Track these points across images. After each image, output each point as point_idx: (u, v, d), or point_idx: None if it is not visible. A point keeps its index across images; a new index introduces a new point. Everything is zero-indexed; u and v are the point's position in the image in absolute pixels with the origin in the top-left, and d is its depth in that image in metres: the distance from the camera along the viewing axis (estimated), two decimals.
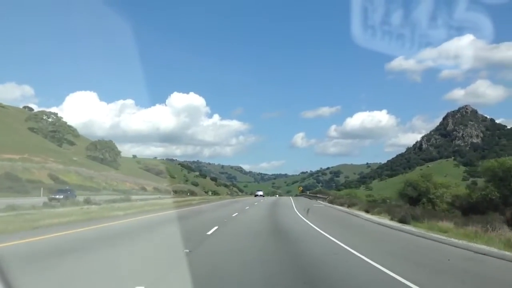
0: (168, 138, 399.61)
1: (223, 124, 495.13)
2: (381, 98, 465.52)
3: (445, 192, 40.20)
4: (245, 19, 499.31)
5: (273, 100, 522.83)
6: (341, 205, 42.79)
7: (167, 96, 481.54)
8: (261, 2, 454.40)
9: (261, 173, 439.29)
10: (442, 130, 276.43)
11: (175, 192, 77.55)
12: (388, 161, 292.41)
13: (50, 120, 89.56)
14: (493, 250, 12.74)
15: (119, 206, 24.65)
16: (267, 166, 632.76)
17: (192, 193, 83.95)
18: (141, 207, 26.12)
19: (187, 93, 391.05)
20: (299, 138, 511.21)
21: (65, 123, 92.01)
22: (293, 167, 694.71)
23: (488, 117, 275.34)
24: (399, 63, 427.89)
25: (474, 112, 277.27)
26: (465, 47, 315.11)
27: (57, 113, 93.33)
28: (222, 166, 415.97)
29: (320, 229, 18.08)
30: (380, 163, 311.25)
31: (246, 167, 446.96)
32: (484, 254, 12.05)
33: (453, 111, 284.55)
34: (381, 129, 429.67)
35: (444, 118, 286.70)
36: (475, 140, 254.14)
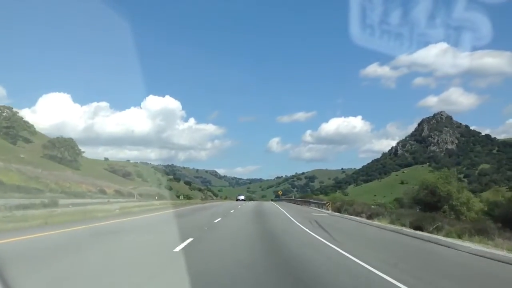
0: (143, 141, 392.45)
1: (199, 128, 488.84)
2: (356, 104, 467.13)
3: (470, 198, 34.19)
4: (222, 22, 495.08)
5: (249, 104, 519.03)
6: (357, 214, 29.90)
7: (142, 99, 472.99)
8: (240, 5, 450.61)
9: (236, 178, 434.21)
10: (417, 136, 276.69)
11: (141, 195, 71.33)
12: (363, 166, 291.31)
13: (4, 114, 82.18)
14: None
15: (23, 215, 17.42)
16: (242, 171, 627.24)
17: (161, 197, 77.81)
18: (58, 217, 18.03)
19: (163, 96, 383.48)
20: (274, 143, 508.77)
21: (21, 118, 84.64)
22: (268, 172, 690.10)
23: (463, 123, 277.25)
24: (374, 69, 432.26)
25: (449, 118, 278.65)
26: (439, 55, 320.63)
27: (12, 107, 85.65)
28: (197, 170, 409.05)
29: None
30: (354, 168, 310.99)
31: (221, 171, 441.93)
32: None
33: (428, 117, 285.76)
34: (355, 135, 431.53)
35: (419, 124, 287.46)
36: (450, 146, 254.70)
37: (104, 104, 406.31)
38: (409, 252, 12.93)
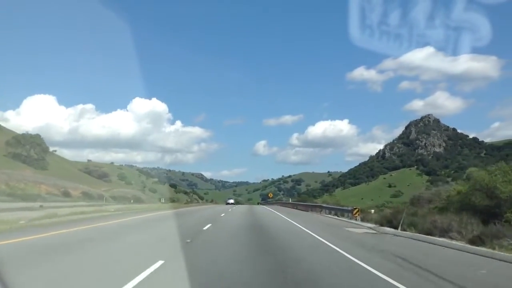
0: (128, 144, 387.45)
1: (186, 130, 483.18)
2: (343, 107, 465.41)
3: None
4: (210, 25, 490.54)
5: (236, 107, 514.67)
6: (394, 225, 20.46)
7: (128, 102, 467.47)
8: (228, 6, 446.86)
9: (222, 181, 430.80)
10: (405, 139, 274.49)
11: (114, 198, 66.13)
12: (351, 169, 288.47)
13: None
14: None
15: None
16: (228, 174, 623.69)
17: (138, 200, 72.49)
18: None
19: (150, 99, 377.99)
20: (261, 146, 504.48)
21: None
22: (255, 175, 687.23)
23: (450, 126, 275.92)
24: (361, 73, 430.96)
25: (437, 121, 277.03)
26: (425, 59, 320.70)
27: None
28: (183, 173, 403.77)
29: None
30: (341, 171, 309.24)
31: (208, 174, 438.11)
32: None
33: (416, 120, 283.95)
34: (342, 138, 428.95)
35: (406, 127, 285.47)
36: (437, 149, 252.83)
37: (89, 106, 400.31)
38: None
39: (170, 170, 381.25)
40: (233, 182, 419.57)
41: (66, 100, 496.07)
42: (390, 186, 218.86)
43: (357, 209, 28.29)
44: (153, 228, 19.36)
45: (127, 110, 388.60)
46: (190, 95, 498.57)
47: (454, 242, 14.75)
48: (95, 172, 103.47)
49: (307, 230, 18.90)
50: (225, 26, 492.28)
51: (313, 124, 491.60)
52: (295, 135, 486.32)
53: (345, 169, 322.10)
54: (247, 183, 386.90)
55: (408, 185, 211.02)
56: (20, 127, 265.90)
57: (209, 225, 20.04)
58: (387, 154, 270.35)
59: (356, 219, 27.14)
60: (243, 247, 12.37)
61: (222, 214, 32.13)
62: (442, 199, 26.39)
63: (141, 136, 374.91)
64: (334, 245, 13.19)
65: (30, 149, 75.69)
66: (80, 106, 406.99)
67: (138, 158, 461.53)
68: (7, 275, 6.13)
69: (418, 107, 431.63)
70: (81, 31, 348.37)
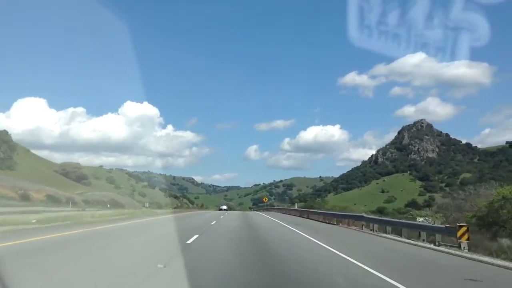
0: (119, 147, 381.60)
1: (177, 135, 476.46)
2: (335, 112, 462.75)
3: None
4: (205, 30, 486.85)
5: (228, 112, 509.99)
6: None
7: (120, 105, 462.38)
8: (220, 10, 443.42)
9: (213, 185, 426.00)
10: (397, 144, 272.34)
11: (87, 202, 61.87)
12: (343, 174, 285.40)
13: None
14: None
15: None
16: (219, 178, 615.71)
17: (117, 205, 68.17)
18: None
19: (141, 102, 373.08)
20: (252, 151, 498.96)
21: None
22: (246, 180, 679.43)
23: (443, 132, 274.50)
24: (352, 78, 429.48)
25: (430, 126, 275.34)
26: (417, 64, 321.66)
27: None
28: (174, 177, 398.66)
29: None
30: (332, 177, 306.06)
31: (199, 178, 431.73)
32: None
33: (409, 125, 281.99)
34: (333, 143, 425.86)
35: (399, 132, 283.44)
36: (430, 155, 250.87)
37: (80, 109, 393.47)
38: None
39: (160, 174, 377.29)
40: (224, 187, 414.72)
41: (57, 103, 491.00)
42: (383, 191, 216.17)
43: (465, 228, 15.68)
44: (107, 248, 13.18)
45: (118, 114, 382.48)
46: (182, 99, 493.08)
47: None
48: (72, 174, 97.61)
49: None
50: (218, 30, 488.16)
51: (305, 129, 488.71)
52: (287, 140, 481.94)
53: (336, 174, 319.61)
54: (238, 187, 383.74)
55: (401, 191, 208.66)
56: (10, 130, 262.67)
57: (196, 236, 16.39)
58: (380, 159, 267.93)
59: (462, 247, 15.36)
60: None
61: (213, 222, 27.90)
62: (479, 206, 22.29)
63: (132, 140, 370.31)
64: None
65: None
66: (71, 109, 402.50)
67: (128, 162, 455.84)
68: None
69: (410, 113, 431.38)
70: (73, 33, 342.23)
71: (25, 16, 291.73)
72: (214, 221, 29.05)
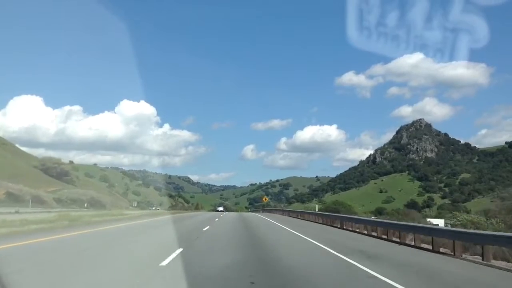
0: (115, 146, 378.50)
1: (174, 134, 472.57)
2: (332, 112, 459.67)
3: None
4: (203, 30, 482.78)
5: (224, 111, 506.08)
6: None
7: (116, 104, 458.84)
8: (216, 11, 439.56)
9: (209, 184, 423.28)
10: (396, 144, 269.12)
11: (59, 201, 57.56)
12: (340, 174, 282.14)
13: None
14: None
15: None
16: (215, 177, 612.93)
17: (98, 204, 63.79)
18: None
19: (138, 101, 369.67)
20: (249, 150, 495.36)
21: None
22: (242, 179, 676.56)
23: (442, 131, 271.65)
24: (350, 78, 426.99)
25: (428, 126, 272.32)
26: (414, 65, 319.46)
27: None
28: (170, 176, 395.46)
29: None
30: (329, 176, 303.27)
31: (195, 177, 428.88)
32: None
33: (407, 125, 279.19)
34: (330, 143, 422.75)
35: (397, 132, 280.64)
36: (429, 155, 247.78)
37: (77, 108, 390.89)
38: None
39: (156, 173, 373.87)
40: (220, 186, 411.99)
41: (53, 101, 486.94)
42: (381, 191, 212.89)
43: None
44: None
45: (115, 112, 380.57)
46: (179, 98, 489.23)
47: None
48: (52, 170, 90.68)
49: None
50: (215, 30, 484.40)
51: (302, 129, 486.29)
52: (283, 139, 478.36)
53: (332, 174, 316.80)
54: (234, 187, 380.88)
55: (400, 191, 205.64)
56: (6, 128, 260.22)
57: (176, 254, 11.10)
58: (378, 159, 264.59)
59: None
60: None
61: (206, 227, 23.21)
62: None
63: (129, 138, 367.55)
64: None
65: None
66: (67, 108, 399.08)
67: (125, 160, 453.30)
68: None
69: (407, 113, 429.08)
70: (70, 32, 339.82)
71: (23, 15, 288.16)
72: (208, 226, 24.59)
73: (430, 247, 15.89)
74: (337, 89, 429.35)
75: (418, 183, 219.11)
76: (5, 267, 7.80)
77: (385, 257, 13.04)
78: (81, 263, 9.78)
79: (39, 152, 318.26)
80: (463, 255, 14.10)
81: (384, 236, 20.70)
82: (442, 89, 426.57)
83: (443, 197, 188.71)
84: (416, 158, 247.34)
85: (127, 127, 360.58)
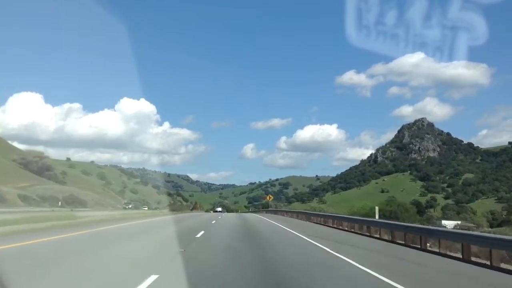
0: (115, 144, 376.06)
1: (173, 132, 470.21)
2: (332, 112, 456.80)
3: None
4: (203, 28, 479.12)
5: (224, 110, 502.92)
6: None
7: (116, 101, 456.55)
8: (216, 10, 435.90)
9: (208, 183, 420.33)
10: (398, 143, 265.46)
11: (25, 199, 53.44)
12: (341, 173, 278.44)
13: None
14: None
15: None
16: (215, 176, 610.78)
17: (75, 203, 59.31)
18: None
19: (138, 99, 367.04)
20: (249, 149, 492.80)
21: None
22: (242, 178, 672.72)
23: (444, 131, 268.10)
24: (350, 77, 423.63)
25: (431, 125, 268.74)
26: (415, 64, 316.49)
27: None
28: (169, 175, 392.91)
29: None
30: (329, 176, 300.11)
31: (194, 176, 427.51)
32: None
33: (409, 124, 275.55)
34: (330, 142, 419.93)
35: (399, 131, 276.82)
36: (431, 154, 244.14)
37: (76, 105, 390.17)
38: None
39: (155, 171, 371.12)
40: (219, 185, 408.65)
41: (53, 99, 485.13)
42: (383, 191, 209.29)
43: None
44: None
45: (114, 110, 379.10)
46: (179, 96, 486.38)
47: None
48: (33, 164, 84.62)
49: None
50: (215, 29, 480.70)
51: (302, 128, 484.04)
52: (283, 138, 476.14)
53: (332, 173, 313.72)
54: (233, 186, 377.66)
55: (402, 191, 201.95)
56: (5, 125, 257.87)
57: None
58: (379, 158, 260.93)
59: None
60: None
61: (199, 234, 18.53)
62: None
63: (128, 136, 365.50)
64: None
65: None
66: (67, 105, 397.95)
67: (124, 159, 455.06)
68: None
69: (407, 113, 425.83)
70: (71, 30, 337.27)
71: (23, 13, 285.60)
72: (202, 232, 20.07)
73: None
74: (338, 88, 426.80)
75: (420, 183, 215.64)
76: None
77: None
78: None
79: (38, 150, 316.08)
80: None
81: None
82: (442, 89, 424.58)
83: (446, 198, 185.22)
84: (418, 157, 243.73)
85: (126, 125, 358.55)
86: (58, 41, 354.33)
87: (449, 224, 51.97)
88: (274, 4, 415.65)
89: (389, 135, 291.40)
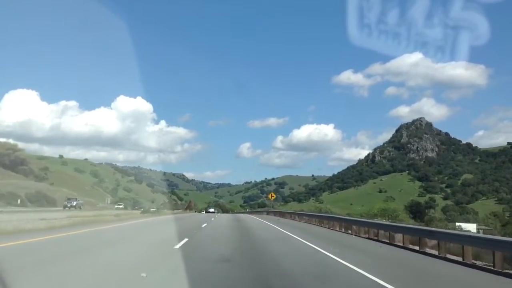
0: (111, 142, 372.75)
1: (169, 130, 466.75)
2: (329, 111, 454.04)
3: None
4: (201, 27, 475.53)
5: (220, 108, 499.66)
6: None
7: (113, 99, 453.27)
8: (214, 8, 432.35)
9: (204, 182, 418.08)
10: (395, 143, 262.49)
11: None
12: (338, 173, 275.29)
13: None
14: None
15: None
16: (211, 175, 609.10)
17: (40, 202, 54.62)
18: None
19: (134, 97, 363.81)
20: (245, 148, 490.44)
21: None
22: (237, 177, 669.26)
23: (444, 131, 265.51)
24: (347, 76, 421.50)
25: (429, 125, 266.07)
26: (413, 64, 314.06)
27: None
28: (164, 173, 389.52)
29: None
30: (324, 175, 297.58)
31: (190, 175, 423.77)
32: None
33: (407, 123, 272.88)
34: (326, 142, 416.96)
35: (397, 130, 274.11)
36: (430, 154, 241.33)
37: (73, 103, 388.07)
38: None
39: (151, 170, 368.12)
40: (215, 184, 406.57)
41: (49, 96, 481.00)
42: (380, 191, 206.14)
43: None
44: None
45: (111, 108, 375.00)
46: (176, 95, 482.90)
47: None
48: (5, 157, 77.00)
49: None
50: (212, 27, 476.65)
51: (298, 128, 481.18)
52: (280, 138, 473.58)
53: (328, 173, 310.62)
54: (229, 185, 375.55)
55: (400, 191, 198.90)
56: (1, 122, 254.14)
57: None
58: (377, 158, 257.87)
59: None
60: None
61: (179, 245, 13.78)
62: None
63: (124, 135, 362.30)
64: None
65: None
66: (63, 103, 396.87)
67: (120, 157, 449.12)
68: None
69: (404, 113, 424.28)
70: (68, 27, 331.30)
71: (20, 9, 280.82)
72: (186, 239, 15.48)
73: None
74: (335, 87, 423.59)
75: (418, 183, 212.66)
76: None
77: None
78: None
79: (34, 147, 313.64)
80: None
81: None
82: (439, 89, 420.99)
83: (445, 198, 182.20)
84: (417, 157, 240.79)
85: (123, 123, 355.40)
86: (55, 38, 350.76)
87: (466, 227, 48.43)
88: (271, 3, 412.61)
89: (385, 135, 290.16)
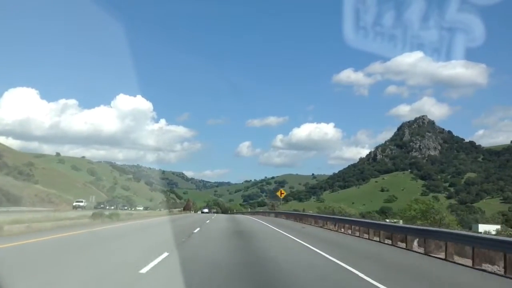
0: (110, 141, 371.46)
1: (169, 129, 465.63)
2: (329, 110, 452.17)
3: None
4: (200, 25, 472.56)
5: (220, 107, 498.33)
6: None
7: (113, 98, 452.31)
8: (213, 7, 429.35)
9: (203, 181, 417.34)
10: (397, 141, 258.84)
11: None
12: (340, 171, 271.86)
13: None
14: None
15: None
16: (210, 174, 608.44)
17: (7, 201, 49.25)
18: None
19: (134, 96, 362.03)
20: (244, 147, 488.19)
21: None
22: (237, 176, 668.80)
23: (446, 129, 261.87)
24: (348, 75, 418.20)
25: (431, 123, 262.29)
26: (413, 63, 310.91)
27: None
28: (163, 172, 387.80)
29: None
30: (324, 174, 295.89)
31: (189, 173, 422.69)
32: None
33: (409, 121, 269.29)
34: (326, 141, 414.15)
35: (399, 128, 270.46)
36: (432, 153, 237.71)
37: (72, 101, 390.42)
38: None
39: (150, 168, 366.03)
40: (214, 182, 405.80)
41: (49, 95, 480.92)
42: (382, 190, 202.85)
43: None
44: None
45: (110, 107, 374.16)
46: (176, 94, 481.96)
47: None
48: None
49: None
50: (212, 27, 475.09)
51: (298, 127, 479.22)
52: (279, 136, 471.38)
53: (328, 172, 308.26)
54: (229, 183, 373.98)
55: (402, 190, 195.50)
56: (0, 120, 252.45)
57: None
58: (379, 156, 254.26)
59: None
60: None
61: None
62: None
63: (124, 133, 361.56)
64: None
65: None
66: (63, 101, 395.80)
67: (119, 155, 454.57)
68: None
69: (404, 112, 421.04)
70: (69, 26, 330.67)
71: (20, 9, 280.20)
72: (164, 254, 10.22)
73: None
74: (335, 86, 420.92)
75: (421, 182, 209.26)
76: None
77: None
78: None
79: (33, 146, 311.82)
80: None
81: None
82: (440, 88, 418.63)
83: (448, 197, 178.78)
84: (419, 156, 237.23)
85: (122, 122, 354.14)
86: (55, 37, 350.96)
87: (486, 229, 45.02)
88: (271, 2, 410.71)
89: (386, 134, 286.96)
